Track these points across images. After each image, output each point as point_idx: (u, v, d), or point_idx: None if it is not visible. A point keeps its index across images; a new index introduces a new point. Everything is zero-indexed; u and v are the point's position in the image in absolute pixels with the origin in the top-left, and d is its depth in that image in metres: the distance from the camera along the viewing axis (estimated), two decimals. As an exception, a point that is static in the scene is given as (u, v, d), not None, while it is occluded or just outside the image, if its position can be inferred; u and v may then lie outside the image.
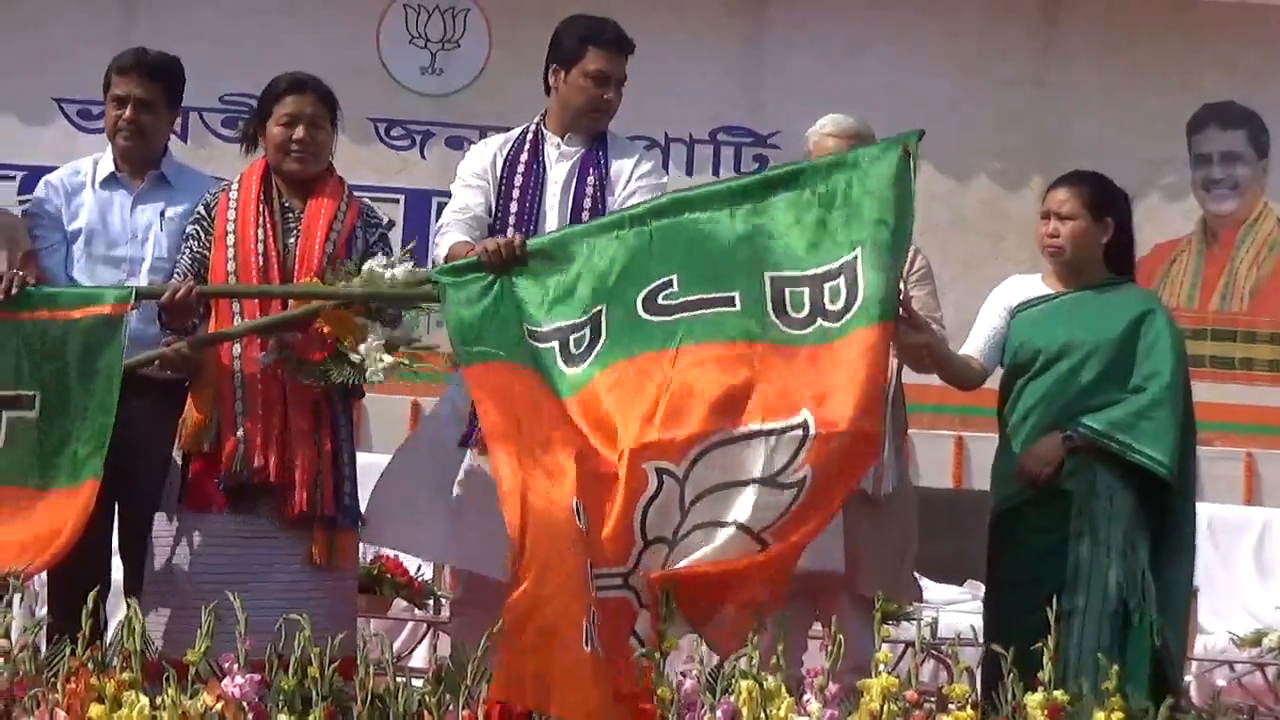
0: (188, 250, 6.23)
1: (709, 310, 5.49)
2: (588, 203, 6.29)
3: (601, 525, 5.22)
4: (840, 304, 5.37)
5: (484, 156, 6.50)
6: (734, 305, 5.47)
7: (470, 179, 6.46)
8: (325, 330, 5.92)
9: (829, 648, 5.17)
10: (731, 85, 11.32)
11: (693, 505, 5.28)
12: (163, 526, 6.13)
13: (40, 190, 6.56)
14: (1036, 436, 6.22)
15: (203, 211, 6.26)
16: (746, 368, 5.39)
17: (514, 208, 6.35)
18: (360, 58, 10.92)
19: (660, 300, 5.51)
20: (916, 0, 11.37)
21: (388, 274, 5.94)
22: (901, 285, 6.18)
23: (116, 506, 6.23)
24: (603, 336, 5.53)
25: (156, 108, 6.49)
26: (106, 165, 6.52)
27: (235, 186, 6.27)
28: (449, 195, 6.56)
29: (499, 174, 6.41)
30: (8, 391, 5.88)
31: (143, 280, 6.25)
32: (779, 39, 11.35)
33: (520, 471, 5.25)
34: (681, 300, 5.50)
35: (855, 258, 5.39)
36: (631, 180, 6.33)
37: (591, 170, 6.39)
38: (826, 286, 5.42)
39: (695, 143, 11.11)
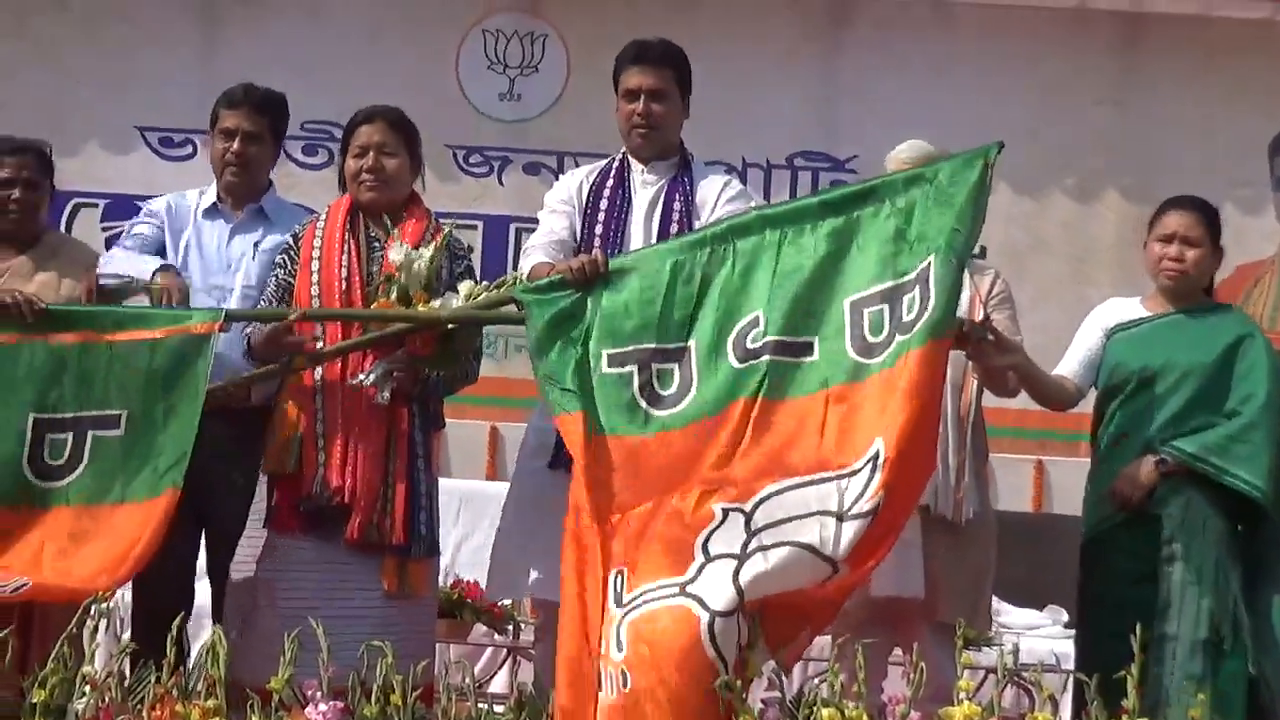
0: (274, 279, 6.30)
1: (790, 359, 5.48)
2: (673, 229, 6.27)
3: (656, 547, 5.23)
4: (913, 314, 5.36)
5: (570, 184, 6.53)
6: (812, 354, 5.47)
7: (556, 205, 6.49)
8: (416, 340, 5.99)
9: (910, 675, 5.15)
10: (808, 109, 11.30)
11: (759, 531, 5.26)
12: (246, 550, 6.17)
13: (152, 209, 6.65)
14: (1129, 459, 6.18)
15: (290, 242, 6.34)
16: (819, 419, 5.39)
17: (599, 231, 6.38)
18: (439, 85, 10.96)
19: (748, 344, 5.50)
20: (995, 22, 11.31)
21: (462, 287, 6.02)
22: (981, 308, 6.18)
23: (202, 532, 6.28)
24: (693, 385, 5.52)
25: (262, 141, 6.61)
26: (210, 196, 6.65)
27: (323, 217, 6.33)
28: (527, 222, 6.61)
29: (585, 201, 6.45)
30: (95, 411, 5.94)
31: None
32: (856, 63, 11.33)
33: (573, 542, 5.41)
34: (766, 342, 5.50)
35: (928, 265, 5.39)
36: (718, 206, 6.32)
37: (677, 196, 6.39)
38: (904, 298, 5.41)
39: (772, 168, 11.10)
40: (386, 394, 6.00)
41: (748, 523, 5.25)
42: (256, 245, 6.55)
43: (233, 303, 6.38)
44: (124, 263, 6.45)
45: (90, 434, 5.93)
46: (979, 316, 6.14)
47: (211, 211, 6.62)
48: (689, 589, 5.14)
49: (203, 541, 6.42)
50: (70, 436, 5.93)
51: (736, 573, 5.12)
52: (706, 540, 5.23)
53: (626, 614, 5.16)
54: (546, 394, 5.70)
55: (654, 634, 5.08)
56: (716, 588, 5.09)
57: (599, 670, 5.17)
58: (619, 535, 5.36)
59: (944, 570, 6.27)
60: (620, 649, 5.11)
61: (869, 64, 11.29)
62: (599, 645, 5.19)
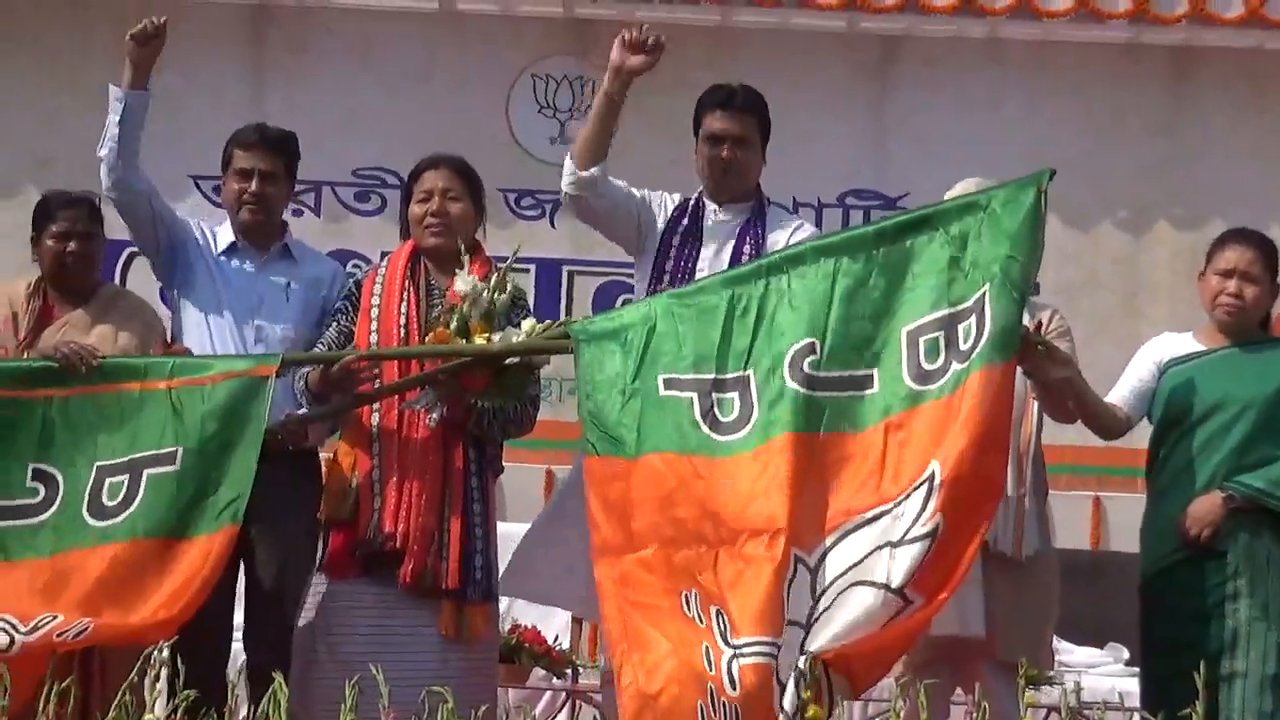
0: (335, 324, 6.32)
1: (849, 394, 5.46)
2: None
3: (753, 599, 5.23)
4: (970, 342, 5.34)
5: (659, 200, 6.60)
6: (871, 386, 5.44)
7: (640, 191, 6.59)
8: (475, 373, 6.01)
9: (973, 715, 5.11)
10: (859, 148, 11.30)
11: (824, 593, 5.25)
12: (305, 595, 6.18)
13: (194, 224, 6.70)
14: (1189, 495, 6.12)
15: (352, 288, 6.37)
16: (880, 450, 5.36)
17: (668, 266, 6.41)
18: (490, 129, 10.99)
19: (805, 368, 5.48)
20: (1045, 56, 11.30)
21: (524, 324, 6.04)
22: (1028, 320, 6.15)
23: (242, 571, 6.28)
24: (754, 410, 5.51)
25: (278, 180, 6.60)
26: (226, 236, 6.64)
27: (384, 264, 6.35)
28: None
29: (660, 233, 6.48)
30: (149, 452, 5.96)
31: (268, 349, 6.33)
32: (905, 100, 11.33)
33: (617, 586, 5.44)
34: (825, 375, 5.47)
35: (985, 294, 5.36)
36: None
37: (748, 239, 6.43)
38: (960, 326, 5.38)
39: (824, 207, 11.10)
40: (436, 416, 6.01)
41: (813, 582, 5.25)
42: (288, 286, 6.56)
43: (272, 346, 6.38)
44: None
45: (146, 472, 5.95)
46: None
47: (232, 251, 6.62)
48: (777, 654, 5.19)
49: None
50: (126, 478, 5.95)
51: (802, 644, 5.15)
52: (787, 594, 5.24)
53: (735, 657, 5.18)
54: (585, 431, 5.70)
55: (754, 685, 5.13)
56: (792, 654, 5.15)
57: (709, 693, 5.19)
58: (705, 568, 5.36)
59: (1005, 608, 6.22)
60: (735, 687, 5.14)
61: (919, 101, 11.29)
62: (705, 666, 5.22)
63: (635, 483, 5.56)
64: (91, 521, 5.91)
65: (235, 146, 6.61)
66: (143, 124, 6.50)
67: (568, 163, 6.53)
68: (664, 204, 6.59)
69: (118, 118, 6.48)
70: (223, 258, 6.60)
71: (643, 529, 5.49)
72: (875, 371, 5.45)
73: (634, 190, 6.59)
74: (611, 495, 5.58)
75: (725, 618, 5.26)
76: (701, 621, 5.30)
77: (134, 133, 6.50)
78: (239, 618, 6.36)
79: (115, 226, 6.68)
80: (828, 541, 5.28)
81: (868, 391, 5.44)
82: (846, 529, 5.28)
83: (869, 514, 5.27)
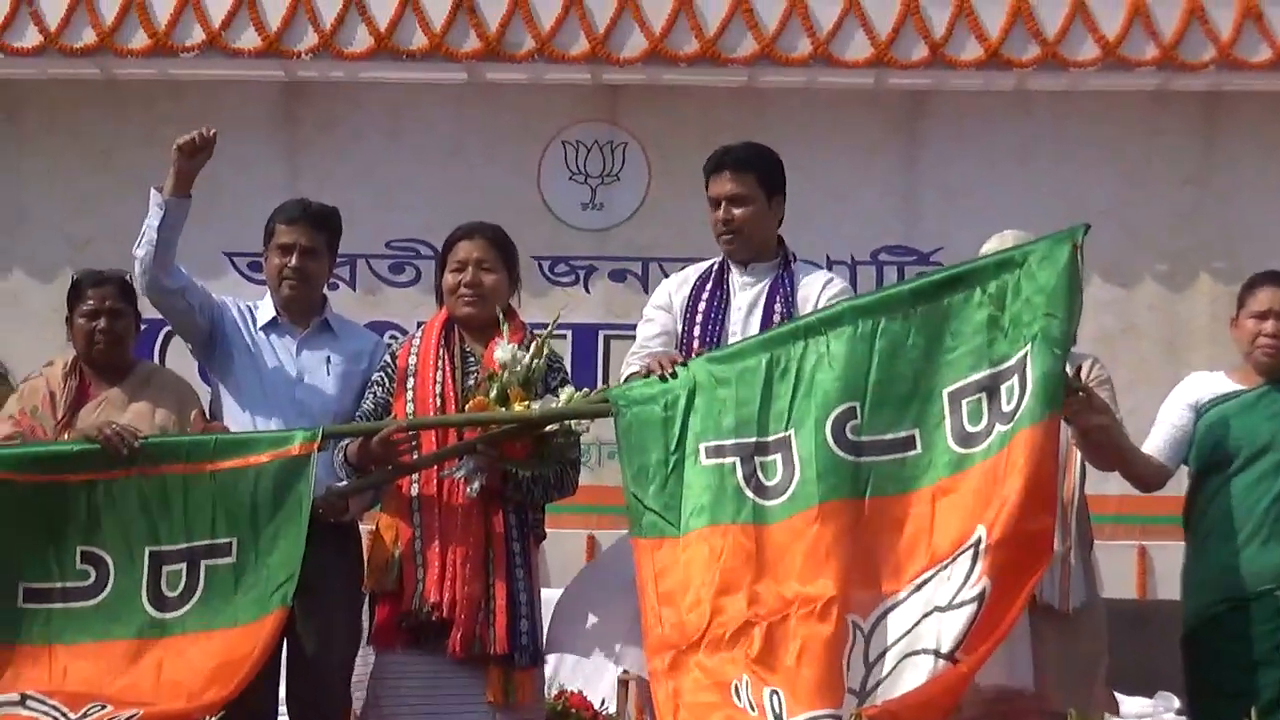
0: (371, 396, 6.34)
1: (892, 456, 5.45)
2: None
3: (809, 673, 5.21)
4: (1013, 403, 5.32)
5: (669, 287, 6.58)
6: (915, 448, 5.43)
7: (652, 312, 6.54)
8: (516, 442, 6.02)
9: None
10: (890, 204, 11.31)
11: (878, 660, 5.23)
12: (356, 670, 6.19)
13: (230, 304, 6.69)
14: (1234, 540, 6.07)
15: (388, 359, 6.37)
16: (927, 513, 5.35)
17: (696, 333, 6.39)
18: (522, 197, 11.03)
19: (848, 433, 5.46)
20: (1073, 106, 11.31)
21: (563, 393, 6.04)
22: (1070, 370, 6.12)
23: (285, 647, 6.28)
24: (797, 472, 5.50)
25: (320, 256, 6.62)
26: (267, 311, 6.65)
27: (419, 334, 6.37)
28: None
29: (684, 304, 6.47)
30: (205, 541, 5.98)
31: (314, 424, 6.32)
32: (935, 154, 11.35)
33: (669, 681, 5.43)
34: (868, 439, 5.46)
35: (1026, 353, 5.34)
36: (820, 303, 6.29)
37: (778, 297, 6.40)
38: (1003, 387, 5.36)
39: (857, 264, 11.10)
40: (476, 486, 6.01)
41: (867, 649, 5.24)
42: (329, 360, 6.58)
43: (312, 420, 6.38)
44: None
45: (203, 563, 5.97)
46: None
47: (272, 326, 6.64)
48: None
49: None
50: (184, 567, 5.97)
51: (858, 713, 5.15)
52: (847, 664, 5.23)
53: None
54: (631, 512, 5.70)
55: None
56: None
57: None
58: (757, 645, 5.35)
59: (1054, 660, 6.18)
60: None
61: (949, 155, 11.30)
62: None
63: (685, 563, 5.54)
64: (152, 611, 5.93)
65: (278, 221, 6.63)
66: (181, 229, 6.51)
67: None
68: (677, 287, 6.54)
69: (157, 222, 6.47)
70: (262, 333, 6.62)
71: (695, 618, 5.47)
72: (917, 432, 5.43)
73: (656, 319, 6.50)
74: (663, 588, 5.57)
75: (780, 697, 5.24)
76: (754, 710, 5.27)
77: (172, 238, 6.49)
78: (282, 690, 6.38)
79: (150, 305, 6.72)
80: (881, 608, 5.26)
81: (911, 453, 5.43)
82: (899, 596, 5.26)
83: (920, 579, 5.26)
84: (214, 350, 6.65)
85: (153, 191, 6.49)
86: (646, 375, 5.94)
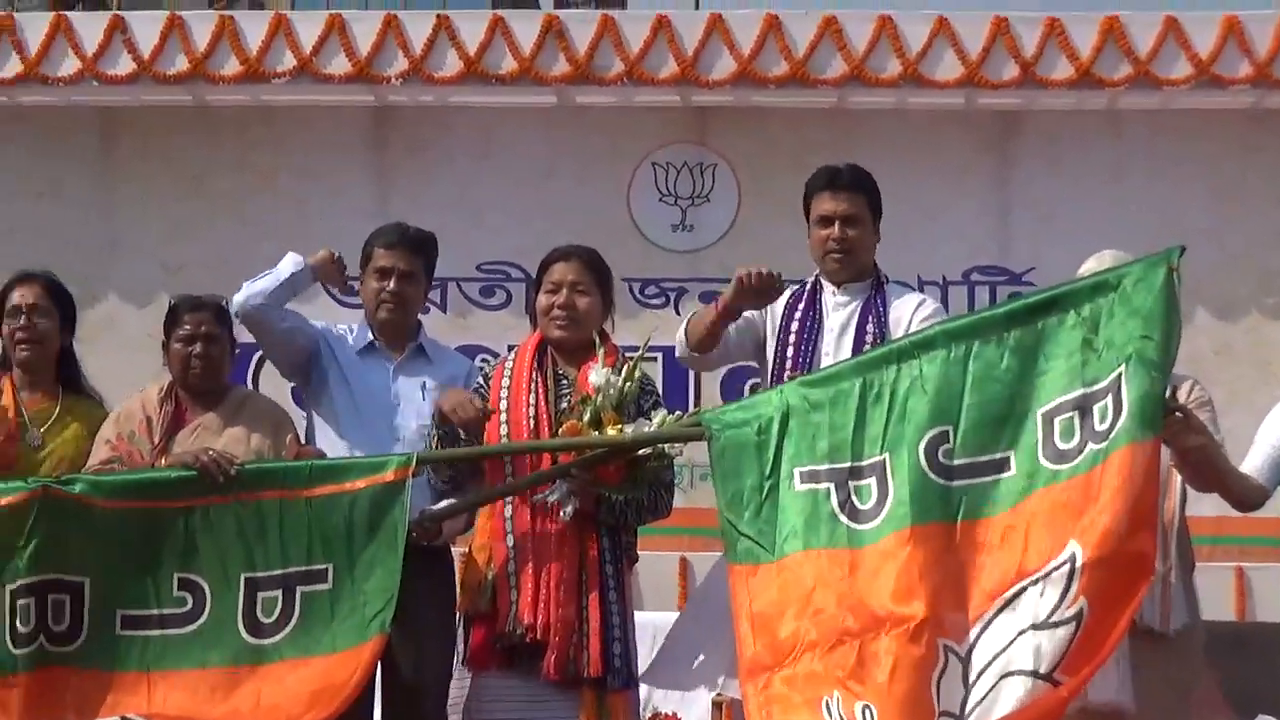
0: None
1: (985, 479, 5.42)
2: (865, 350, 6.25)
3: (900, 689, 5.19)
4: (1107, 423, 5.27)
5: (767, 311, 6.57)
6: (1008, 469, 5.38)
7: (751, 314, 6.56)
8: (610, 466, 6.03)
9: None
10: (982, 224, 11.26)
11: (976, 681, 5.19)
12: (452, 692, 6.21)
13: (325, 329, 6.77)
14: None
15: (481, 382, 6.38)
16: (1021, 531, 5.31)
17: (790, 353, 6.40)
18: (612, 219, 11.04)
19: (940, 457, 5.43)
20: (1167, 126, 11.23)
21: (656, 416, 6.04)
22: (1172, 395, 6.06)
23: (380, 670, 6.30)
24: (890, 495, 5.48)
25: (417, 280, 6.65)
26: (363, 336, 6.68)
27: (512, 357, 6.38)
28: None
29: (778, 322, 6.47)
30: (301, 568, 5.99)
31: (407, 448, 6.34)
32: (1027, 174, 11.29)
33: (761, 707, 5.41)
34: (961, 463, 5.43)
35: (1120, 375, 5.29)
36: (912, 325, 6.30)
37: (870, 318, 6.41)
38: (1095, 407, 5.31)
39: (949, 284, 11.05)
40: (570, 510, 6.02)
41: (965, 671, 5.19)
42: (424, 386, 6.59)
43: (406, 444, 6.41)
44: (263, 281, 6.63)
45: (299, 590, 5.98)
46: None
47: (369, 350, 6.67)
48: None
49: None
50: (280, 594, 5.98)
51: None
52: (937, 689, 5.19)
53: None
54: (724, 534, 5.69)
55: None
56: None
57: None
58: (849, 665, 5.33)
59: (1153, 681, 6.13)
60: None
61: (1040, 174, 11.24)
62: None
63: (779, 586, 5.53)
64: (247, 638, 5.94)
65: (376, 245, 6.66)
66: (296, 293, 6.64)
67: (680, 334, 6.57)
68: (772, 308, 6.55)
69: (279, 281, 6.59)
70: (358, 358, 6.65)
71: (788, 637, 5.45)
72: (1012, 454, 5.38)
73: (743, 320, 6.53)
74: (756, 608, 5.55)
75: (872, 711, 5.21)
76: None
77: (289, 296, 6.64)
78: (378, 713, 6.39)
79: (245, 330, 6.76)
80: (975, 630, 5.22)
81: (1005, 475, 5.39)
82: (989, 615, 5.22)
83: (1009, 593, 5.21)
84: (309, 376, 6.68)
85: (291, 254, 6.65)
86: (736, 284, 6.07)
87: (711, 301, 6.37)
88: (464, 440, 6.15)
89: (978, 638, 5.20)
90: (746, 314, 6.46)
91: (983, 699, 5.12)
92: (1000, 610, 5.19)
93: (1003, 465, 5.37)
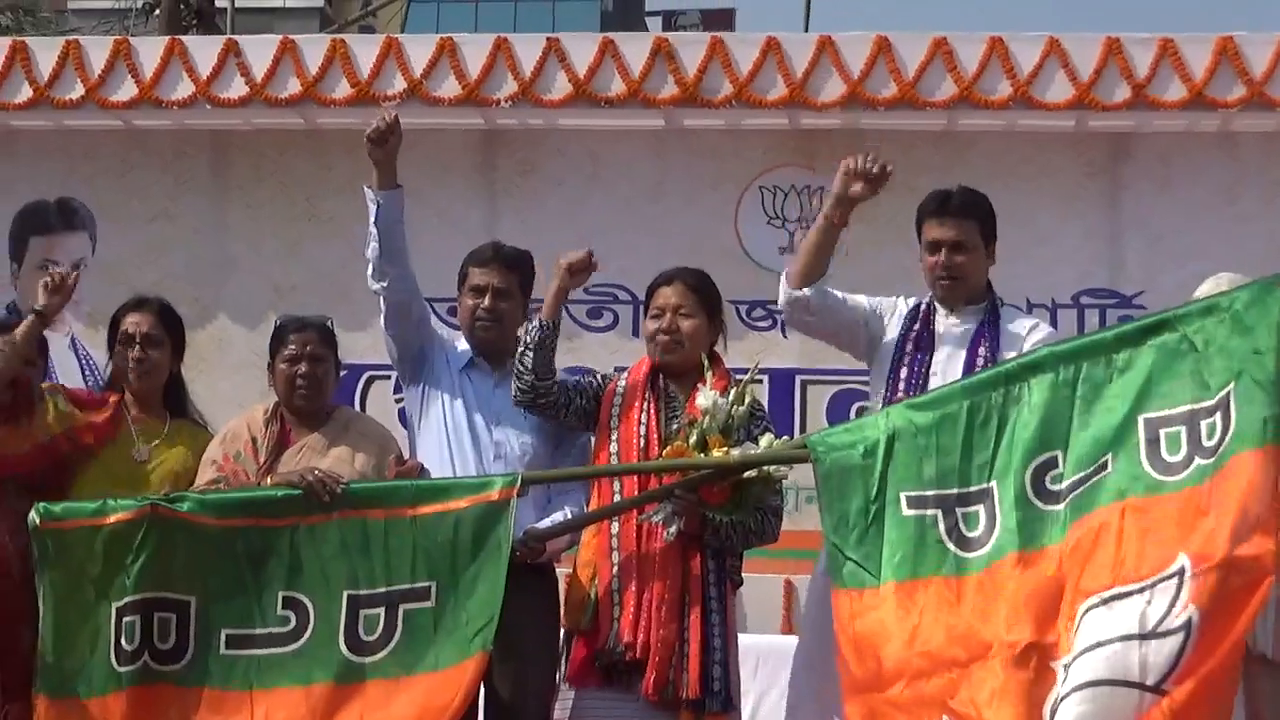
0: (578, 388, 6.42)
1: (1087, 484, 5.38)
2: (977, 373, 6.21)
3: (1000, 710, 5.16)
4: (1215, 439, 5.21)
5: (892, 307, 6.62)
6: (1107, 469, 5.35)
7: (876, 299, 6.59)
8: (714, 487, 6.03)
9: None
10: (1092, 246, 11.14)
11: (1070, 665, 5.14)
12: (555, 711, 6.24)
13: (447, 337, 6.84)
14: None
15: (597, 380, 6.49)
16: (1115, 530, 5.26)
17: (903, 375, 6.39)
18: (719, 242, 11.01)
19: (1048, 484, 5.41)
20: (1280, 147, 11.09)
21: (763, 440, 6.03)
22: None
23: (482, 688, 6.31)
24: (998, 522, 5.45)
25: (512, 297, 6.67)
26: (466, 353, 6.69)
27: (625, 377, 6.39)
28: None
29: (894, 340, 6.45)
30: (404, 585, 6.02)
31: (509, 466, 6.36)
32: (1138, 197, 11.16)
33: (871, 716, 5.42)
34: (1067, 484, 5.40)
35: (1229, 392, 5.24)
36: (1025, 348, 6.26)
37: (983, 342, 6.39)
38: (1203, 423, 5.26)
39: (1059, 307, 10.95)
40: (674, 530, 6.02)
41: (1066, 672, 5.15)
42: None
43: (510, 462, 6.46)
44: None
45: (401, 608, 6.02)
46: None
47: (470, 367, 6.70)
48: None
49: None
50: (382, 611, 6.02)
51: None
52: (1053, 710, 5.15)
53: None
54: (830, 558, 5.68)
55: None
56: None
57: None
58: (957, 691, 5.30)
59: (1268, 710, 6.04)
60: None
61: (1152, 197, 11.11)
62: None
63: (885, 612, 5.51)
64: (348, 655, 5.98)
65: (471, 264, 6.71)
66: (400, 219, 6.63)
67: (783, 281, 6.54)
68: (896, 310, 6.57)
69: (374, 219, 6.59)
70: (462, 374, 6.68)
71: (893, 666, 5.45)
72: (1109, 456, 5.35)
73: (863, 301, 6.57)
74: (859, 631, 5.54)
75: None
76: None
77: (394, 229, 6.62)
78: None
79: (357, 350, 6.79)
80: (1074, 634, 5.17)
81: (1104, 474, 5.34)
82: (1087, 606, 5.16)
83: (1108, 593, 5.15)
84: (419, 377, 6.70)
85: (365, 189, 6.59)
86: (842, 177, 6.27)
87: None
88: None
89: (1075, 637, 5.15)
90: (868, 303, 6.44)
91: (1069, 695, 5.04)
92: (1098, 605, 5.13)
93: (1102, 468, 5.33)
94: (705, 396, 6.09)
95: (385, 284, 6.59)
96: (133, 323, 6.80)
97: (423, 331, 6.72)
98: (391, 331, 6.79)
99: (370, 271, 6.64)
